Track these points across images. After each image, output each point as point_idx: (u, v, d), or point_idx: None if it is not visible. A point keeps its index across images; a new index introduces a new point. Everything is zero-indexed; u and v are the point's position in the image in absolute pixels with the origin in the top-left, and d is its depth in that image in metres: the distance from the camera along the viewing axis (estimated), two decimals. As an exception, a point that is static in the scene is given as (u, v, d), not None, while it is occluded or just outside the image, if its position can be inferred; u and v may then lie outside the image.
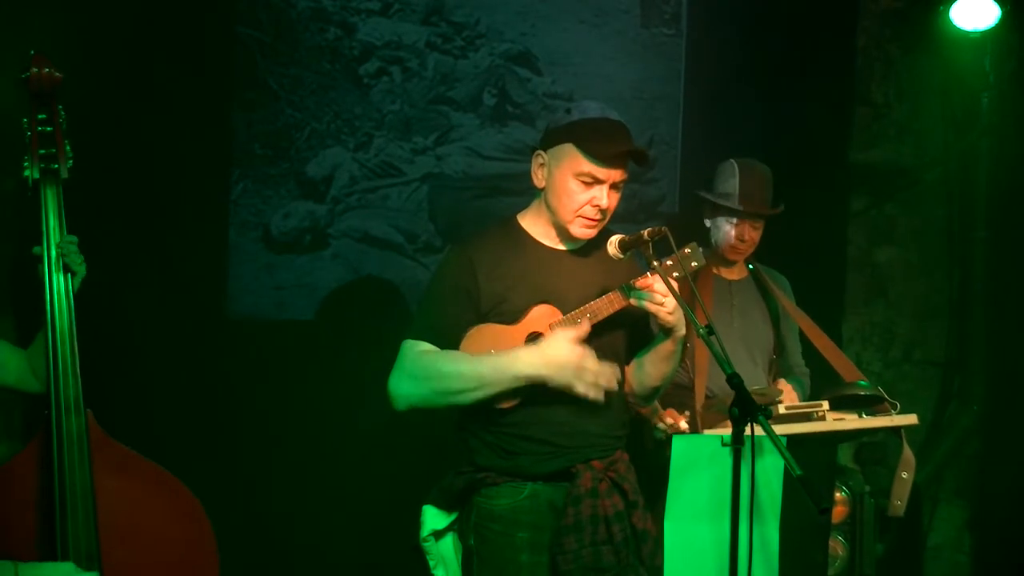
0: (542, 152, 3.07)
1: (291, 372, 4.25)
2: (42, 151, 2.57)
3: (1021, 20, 4.92)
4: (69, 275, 2.58)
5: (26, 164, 2.58)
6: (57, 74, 2.60)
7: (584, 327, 2.96)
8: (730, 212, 3.82)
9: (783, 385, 3.79)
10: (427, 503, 3.13)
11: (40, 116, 2.58)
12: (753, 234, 3.85)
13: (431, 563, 3.13)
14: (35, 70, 2.58)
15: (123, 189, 3.94)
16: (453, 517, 3.13)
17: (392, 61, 4.51)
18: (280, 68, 4.38)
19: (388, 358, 3.08)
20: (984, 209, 5.13)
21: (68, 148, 2.61)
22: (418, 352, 3.00)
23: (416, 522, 3.13)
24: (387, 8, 4.49)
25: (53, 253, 2.56)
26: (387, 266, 4.52)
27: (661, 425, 3.58)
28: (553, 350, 2.93)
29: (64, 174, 2.60)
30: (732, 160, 3.91)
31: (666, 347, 3.10)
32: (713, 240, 3.89)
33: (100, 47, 3.79)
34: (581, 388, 2.93)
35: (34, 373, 2.72)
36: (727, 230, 3.84)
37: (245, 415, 4.16)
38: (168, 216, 4.09)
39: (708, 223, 3.92)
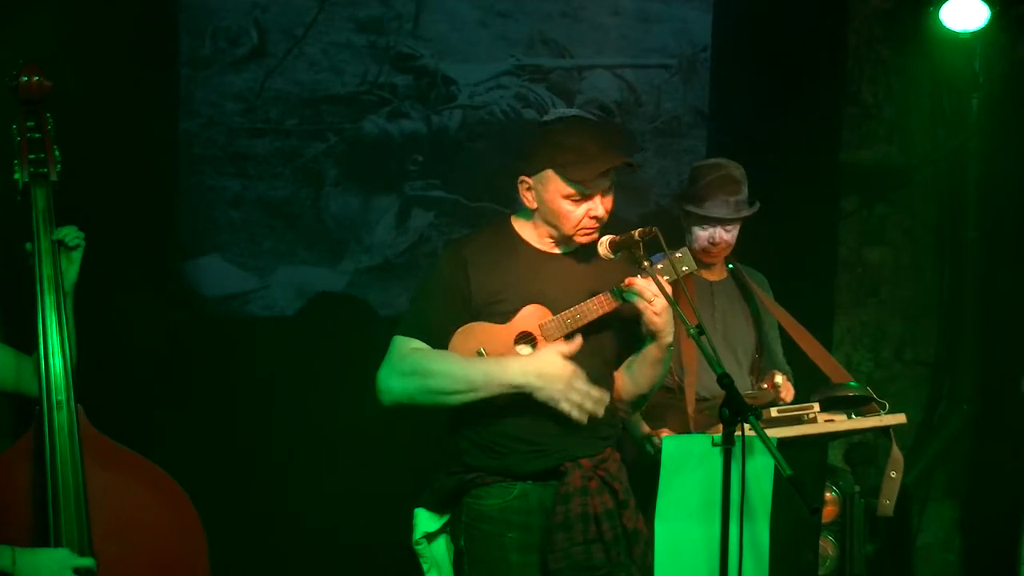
0: (527, 178, 3.07)
1: (280, 372, 4.24)
2: (32, 156, 2.62)
3: (1011, 21, 4.92)
4: (62, 267, 2.59)
5: (16, 168, 2.61)
6: (47, 82, 2.64)
7: (576, 342, 2.97)
8: (698, 219, 3.80)
9: (779, 378, 3.76)
10: (418, 506, 3.13)
11: (29, 123, 2.64)
12: (726, 236, 3.80)
13: (424, 566, 3.12)
14: (25, 79, 2.62)
15: (117, 188, 3.93)
16: (445, 519, 3.12)
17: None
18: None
19: (378, 358, 3.07)
20: (974, 209, 5.13)
21: (57, 153, 2.66)
22: (408, 349, 3.01)
23: (408, 525, 3.12)
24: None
25: (44, 245, 2.57)
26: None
27: (656, 440, 3.56)
28: (544, 363, 2.93)
29: (53, 177, 2.63)
30: (700, 163, 3.91)
31: (652, 352, 3.09)
32: (688, 244, 3.87)
33: (95, 47, 3.78)
34: (566, 406, 2.94)
35: (35, 373, 2.71)
36: (699, 234, 3.80)
37: (234, 415, 4.15)
38: (158, 215, 4.08)
39: (684, 228, 3.90)
